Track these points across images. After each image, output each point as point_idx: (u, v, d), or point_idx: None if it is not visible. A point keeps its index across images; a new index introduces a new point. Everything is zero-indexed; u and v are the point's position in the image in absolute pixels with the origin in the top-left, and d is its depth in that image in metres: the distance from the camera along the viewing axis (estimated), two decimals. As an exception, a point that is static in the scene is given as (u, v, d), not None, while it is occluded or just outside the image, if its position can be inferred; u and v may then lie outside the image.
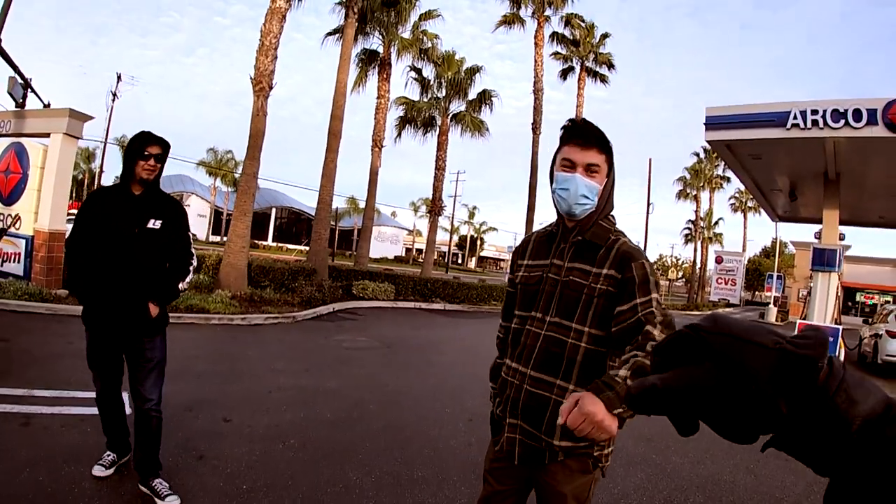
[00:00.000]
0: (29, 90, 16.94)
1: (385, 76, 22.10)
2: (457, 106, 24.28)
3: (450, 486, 4.06)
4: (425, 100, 24.12)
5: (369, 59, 22.49)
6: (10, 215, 10.56)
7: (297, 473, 3.99)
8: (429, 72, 24.00)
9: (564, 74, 27.99)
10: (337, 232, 47.34)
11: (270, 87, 13.26)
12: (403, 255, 74.33)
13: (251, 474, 3.91)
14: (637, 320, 1.84)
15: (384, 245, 66.67)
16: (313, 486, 3.81)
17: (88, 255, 3.30)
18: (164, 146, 3.41)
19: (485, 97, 24.07)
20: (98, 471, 3.52)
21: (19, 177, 10.64)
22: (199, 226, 56.35)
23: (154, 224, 3.37)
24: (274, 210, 62.32)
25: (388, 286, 16.89)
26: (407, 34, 22.27)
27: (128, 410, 3.73)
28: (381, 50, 22.20)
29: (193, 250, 3.62)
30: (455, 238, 69.17)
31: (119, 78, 40.19)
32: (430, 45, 23.07)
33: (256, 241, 51.45)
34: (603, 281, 1.92)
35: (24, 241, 10.43)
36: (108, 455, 3.62)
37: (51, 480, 3.45)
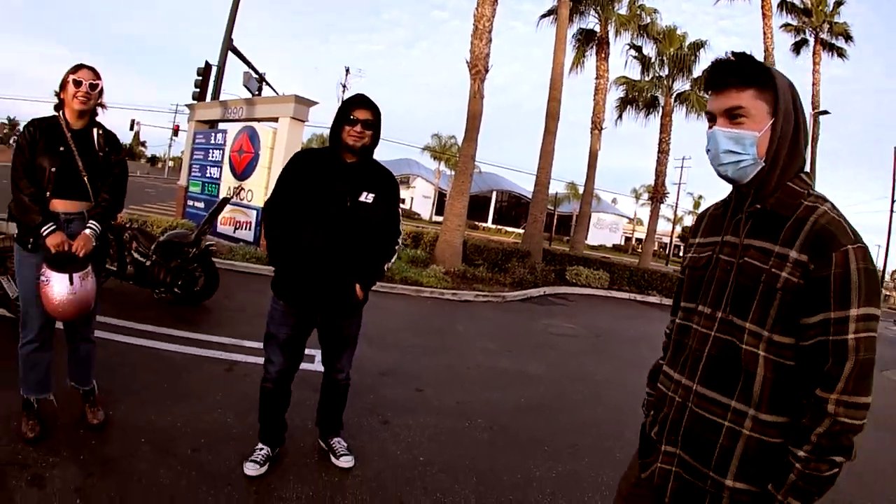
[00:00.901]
0: (263, 83, 18.93)
1: (603, 55, 21.23)
2: (680, 85, 22.65)
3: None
4: (646, 79, 22.72)
5: (586, 38, 21.75)
6: (231, 187, 11.90)
7: (477, 455, 3.84)
8: (649, 49, 22.60)
9: (797, 48, 24.85)
10: (555, 217, 47.11)
11: (486, 70, 13.37)
12: (622, 243, 71.93)
13: (431, 447, 3.85)
14: (821, 350, 1.34)
15: (602, 232, 65.09)
16: (491, 471, 3.63)
17: (289, 222, 3.05)
18: (375, 111, 3.06)
19: None
20: (251, 469, 3.16)
21: (251, 156, 12.01)
22: (423, 206, 59.54)
23: (367, 197, 3.06)
24: (494, 193, 63.69)
25: (603, 274, 16.29)
26: (623, 10, 21.14)
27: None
28: (597, 29, 21.35)
29: (402, 228, 3.35)
30: (678, 229, 65.34)
31: (347, 71, 44.27)
32: (648, 20, 21.68)
33: (476, 223, 52.95)
34: (790, 268, 1.37)
35: (254, 212, 11.72)
36: (262, 449, 3.29)
37: (237, 424, 3.71)
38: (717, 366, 1.49)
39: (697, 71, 22.10)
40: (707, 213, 1.74)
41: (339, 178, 3.05)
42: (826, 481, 1.33)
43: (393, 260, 3.28)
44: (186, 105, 16.47)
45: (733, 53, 1.49)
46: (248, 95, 17.49)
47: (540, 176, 16.41)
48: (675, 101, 22.58)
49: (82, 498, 2.71)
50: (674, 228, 62.19)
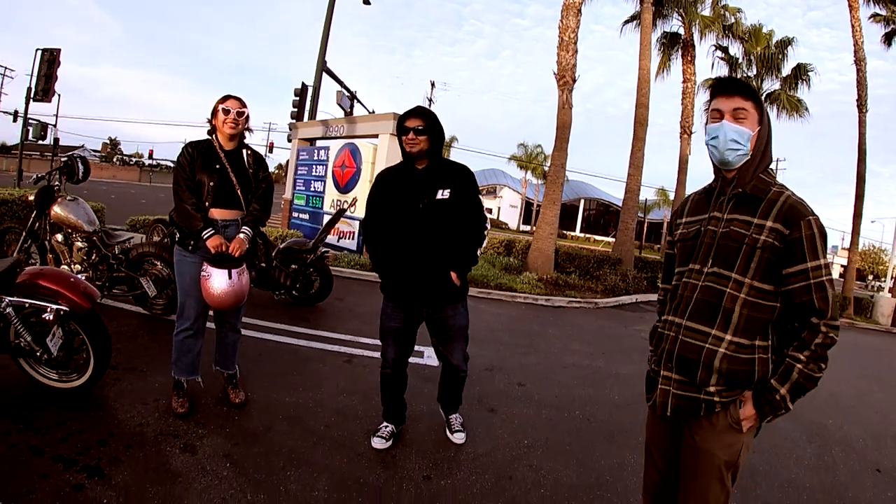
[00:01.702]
0: (355, 101, 19.81)
1: (689, 58, 20.58)
2: (770, 84, 21.77)
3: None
4: None
5: (671, 42, 21.23)
6: (346, 200, 12.48)
7: (575, 441, 4.13)
8: (735, 49, 21.80)
9: (888, 39, 22.52)
10: (645, 224, 46.17)
11: (573, 81, 13.52)
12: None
13: (533, 433, 4.18)
14: (806, 290, 1.88)
15: (696, 239, 63.13)
16: (588, 456, 3.92)
17: (382, 234, 3.46)
18: (424, 117, 3.36)
19: (800, 72, 21.18)
20: (377, 443, 3.62)
21: (353, 170, 12.82)
22: (510, 216, 59.55)
23: (443, 194, 3.36)
24: (582, 201, 62.94)
25: (696, 281, 16.03)
26: (707, 11, 20.56)
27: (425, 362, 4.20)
28: (682, 31, 20.74)
29: (486, 213, 3.61)
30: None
31: (433, 85, 45.45)
32: (732, 20, 20.97)
33: (565, 232, 52.57)
34: (768, 233, 1.91)
35: (356, 223, 12.47)
36: (386, 426, 3.73)
37: (360, 405, 4.24)
38: (702, 306, 2.02)
39: (786, 69, 21.27)
40: (690, 198, 2.27)
41: (414, 184, 3.40)
42: (815, 381, 1.89)
43: (484, 244, 3.56)
44: (289, 124, 17.47)
45: (735, 78, 2.14)
46: (342, 112, 18.39)
47: (630, 183, 16.37)
48: (766, 100, 21.59)
49: (231, 462, 3.20)
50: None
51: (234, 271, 3.55)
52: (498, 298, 10.53)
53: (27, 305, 3.54)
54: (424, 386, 4.67)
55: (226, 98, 3.67)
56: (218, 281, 3.52)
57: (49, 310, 3.46)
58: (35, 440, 3.16)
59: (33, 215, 6.16)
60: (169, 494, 2.81)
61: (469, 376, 3.98)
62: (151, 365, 4.48)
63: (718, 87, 2.05)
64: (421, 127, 3.34)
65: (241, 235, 3.67)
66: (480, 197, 3.59)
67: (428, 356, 5.54)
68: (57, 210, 5.91)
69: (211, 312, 3.88)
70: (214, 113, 3.66)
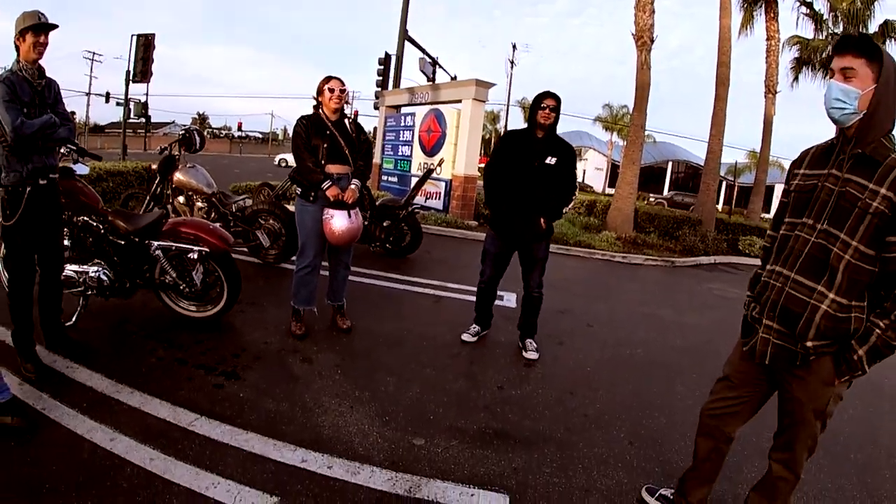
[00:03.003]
0: (437, 67, 20.34)
1: (772, 15, 19.45)
2: None
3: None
4: (820, 38, 20.40)
5: None
6: (432, 163, 13.21)
7: (634, 373, 4.69)
8: (820, 5, 20.22)
9: None
10: (735, 188, 44.54)
11: (651, 41, 13.45)
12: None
13: (597, 363, 4.81)
14: None
15: (787, 203, 59.96)
16: (642, 384, 4.47)
17: (500, 179, 4.48)
18: (557, 99, 4.37)
19: (888, 30, 19.34)
20: (466, 337, 4.91)
21: (439, 135, 13.55)
22: (596, 179, 58.36)
23: (550, 160, 4.37)
24: (670, 164, 61.07)
25: (779, 243, 15.76)
26: None
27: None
28: None
29: (577, 183, 4.59)
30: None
31: (514, 47, 45.52)
32: None
33: (651, 195, 51.36)
34: (881, 200, 1.90)
35: (443, 183, 13.33)
36: (475, 327, 4.99)
37: (447, 334, 5.06)
38: (811, 261, 2.06)
39: (874, 26, 19.52)
40: (810, 151, 2.24)
41: (533, 148, 4.39)
42: (893, 348, 1.96)
43: (570, 206, 4.58)
44: (375, 93, 18.28)
45: (858, 33, 2.03)
46: (424, 79, 19.02)
47: (711, 144, 16.10)
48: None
49: (342, 370, 4.04)
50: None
51: (352, 212, 4.40)
52: (577, 255, 11.00)
53: (173, 248, 4.40)
54: (504, 323, 5.39)
55: (329, 79, 4.45)
56: (339, 220, 4.35)
57: (193, 250, 4.33)
58: (179, 354, 4.02)
59: (156, 181, 7.07)
60: (293, 391, 3.64)
61: (541, 316, 4.75)
62: (269, 301, 5.41)
63: (834, 46, 2.03)
64: (554, 106, 4.35)
65: (353, 186, 4.47)
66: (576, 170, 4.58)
67: (507, 300, 6.27)
68: (179, 176, 6.83)
69: (325, 263, 4.72)
70: (320, 91, 4.46)
